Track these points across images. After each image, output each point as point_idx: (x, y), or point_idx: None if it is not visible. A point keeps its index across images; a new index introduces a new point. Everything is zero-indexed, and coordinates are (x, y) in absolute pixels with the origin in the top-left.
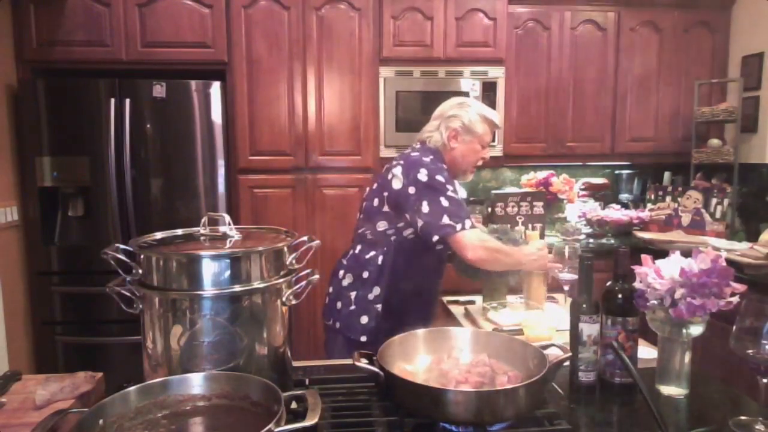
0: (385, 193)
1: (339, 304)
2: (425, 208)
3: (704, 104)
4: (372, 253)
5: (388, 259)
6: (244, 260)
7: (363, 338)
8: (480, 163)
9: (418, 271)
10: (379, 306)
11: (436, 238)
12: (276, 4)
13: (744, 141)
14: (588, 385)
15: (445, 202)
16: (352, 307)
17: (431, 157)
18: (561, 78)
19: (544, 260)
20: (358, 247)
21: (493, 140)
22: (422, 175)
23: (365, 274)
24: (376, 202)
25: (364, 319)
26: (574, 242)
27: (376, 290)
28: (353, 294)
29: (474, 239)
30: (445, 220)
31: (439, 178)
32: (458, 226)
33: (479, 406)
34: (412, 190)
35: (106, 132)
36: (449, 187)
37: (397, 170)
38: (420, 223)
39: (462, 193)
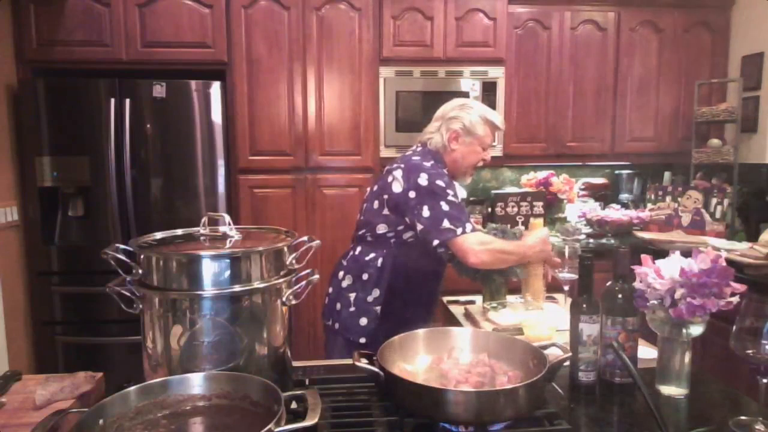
0: (385, 196)
1: (338, 305)
2: (426, 212)
3: (704, 104)
4: (372, 255)
5: (388, 261)
6: (244, 260)
7: (362, 340)
8: (480, 164)
9: (417, 274)
10: (378, 308)
11: (436, 242)
12: (276, 4)
13: (744, 141)
14: (588, 385)
15: (445, 207)
16: (352, 309)
17: (432, 162)
18: (561, 78)
19: (547, 247)
20: (358, 249)
21: (494, 141)
22: (423, 180)
23: (365, 276)
24: (376, 204)
25: (364, 321)
26: (574, 242)
27: (376, 292)
28: (353, 295)
29: (475, 243)
30: (446, 224)
31: (440, 183)
32: (459, 230)
33: (479, 406)
34: (412, 194)
35: (106, 132)
36: (450, 191)
37: (398, 173)
38: (420, 227)
39: (462, 194)
